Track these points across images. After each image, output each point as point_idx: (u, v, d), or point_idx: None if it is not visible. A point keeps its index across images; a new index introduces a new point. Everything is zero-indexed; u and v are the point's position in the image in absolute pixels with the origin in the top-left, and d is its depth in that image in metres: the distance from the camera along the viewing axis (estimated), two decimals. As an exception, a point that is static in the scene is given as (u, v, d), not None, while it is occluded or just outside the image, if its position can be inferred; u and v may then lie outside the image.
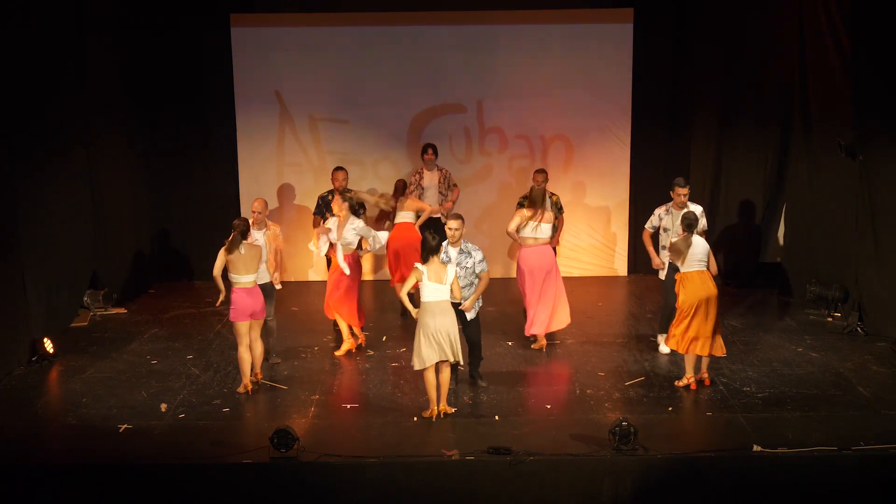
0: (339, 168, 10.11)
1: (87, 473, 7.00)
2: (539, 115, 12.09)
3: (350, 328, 9.39)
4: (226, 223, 12.09)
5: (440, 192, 10.94)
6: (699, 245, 8.21)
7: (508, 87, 12.01)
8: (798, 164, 11.29)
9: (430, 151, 10.92)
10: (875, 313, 9.79)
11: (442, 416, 7.78)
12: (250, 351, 8.31)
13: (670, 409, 8.03)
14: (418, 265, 7.72)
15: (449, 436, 7.47)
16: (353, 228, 9.09)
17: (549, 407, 8.08)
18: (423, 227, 10.08)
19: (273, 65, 11.93)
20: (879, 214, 9.63)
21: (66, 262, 10.13)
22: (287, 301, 9.84)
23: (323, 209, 9.80)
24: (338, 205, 9.19)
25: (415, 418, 7.84)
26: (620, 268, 12.51)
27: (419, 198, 10.77)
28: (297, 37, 11.91)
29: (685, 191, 8.87)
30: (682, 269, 8.24)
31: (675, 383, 8.41)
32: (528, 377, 8.75)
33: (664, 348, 9.10)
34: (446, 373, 7.81)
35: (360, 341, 9.51)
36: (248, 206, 11.92)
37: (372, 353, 9.49)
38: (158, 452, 7.21)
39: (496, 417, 7.86)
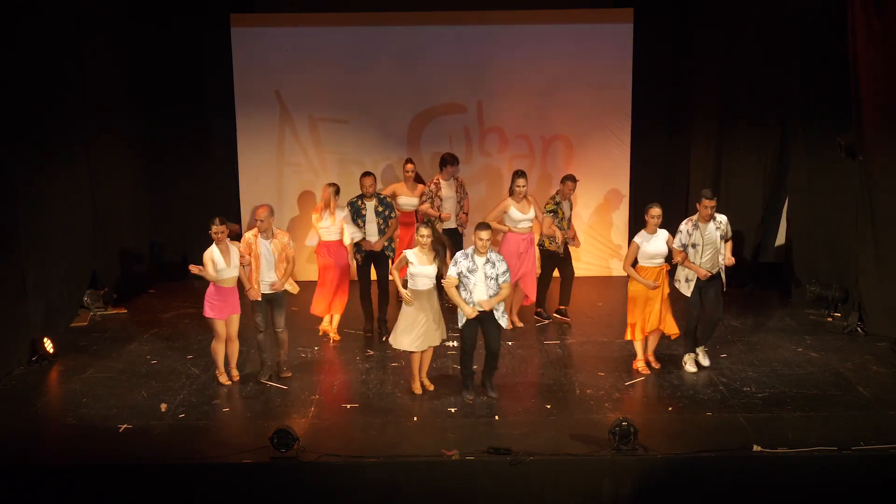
0: (366, 174, 9.79)
1: (87, 473, 7.01)
2: (539, 115, 12.08)
3: (330, 318, 9.89)
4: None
5: (457, 202, 10.78)
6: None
7: (508, 87, 11.99)
8: (798, 165, 11.29)
9: (451, 167, 10.68)
10: (875, 313, 9.78)
11: (425, 389, 8.28)
12: (227, 347, 8.59)
13: (670, 409, 8.03)
14: (406, 252, 8.10)
15: (449, 436, 7.47)
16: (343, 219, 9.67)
17: (549, 407, 8.08)
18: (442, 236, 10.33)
19: (273, 65, 11.92)
20: (879, 214, 9.63)
21: (66, 262, 10.13)
22: (287, 301, 9.82)
23: (354, 216, 9.72)
24: (326, 196, 9.59)
25: (415, 418, 7.86)
26: (620, 268, 12.48)
27: (437, 209, 10.61)
28: (297, 37, 11.90)
29: (712, 203, 8.44)
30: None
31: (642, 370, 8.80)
32: (528, 377, 8.74)
33: (691, 367, 8.81)
34: (430, 351, 8.33)
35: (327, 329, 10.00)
36: (249, 206, 11.99)
37: (372, 353, 9.50)
38: (158, 452, 7.22)
39: (496, 417, 7.87)
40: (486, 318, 8.03)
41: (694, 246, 8.53)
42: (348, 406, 8.19)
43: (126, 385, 8.63)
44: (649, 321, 8.61)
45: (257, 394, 8.40)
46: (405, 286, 8.20)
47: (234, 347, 8.66)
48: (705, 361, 8.90)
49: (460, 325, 8.10)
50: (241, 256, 8.42)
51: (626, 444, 7.04)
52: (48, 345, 9.26)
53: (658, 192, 12.07)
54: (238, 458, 7.07)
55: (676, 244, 8.60)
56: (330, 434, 7.56)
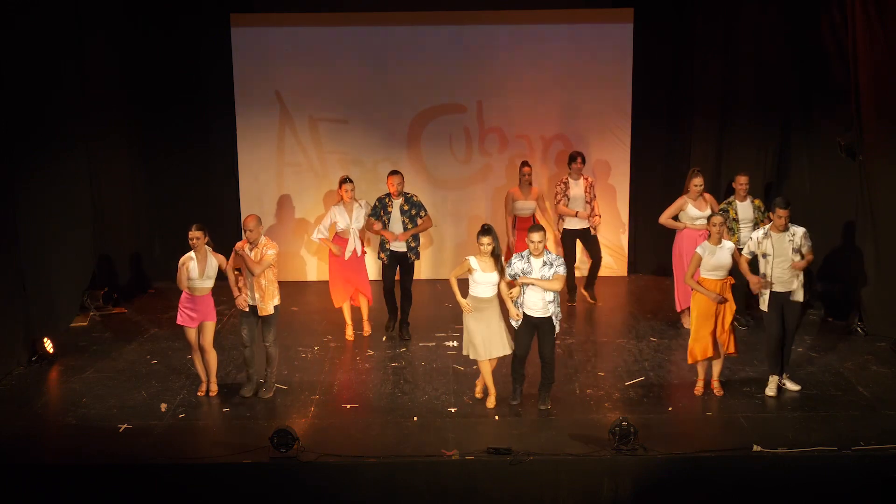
0: (394, 172, 9.71)
1: (87, 473, 7.00)
2: (539, 115, 12.08)
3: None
4: (226, 223, 12.16)
5: (586, 202, 10.75)
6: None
7: (508, 87, 11.99)
8: (798, 165, 11.30)
9: (578, 160, 10.66)
10: (875, 313, 9.78)
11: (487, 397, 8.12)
12: (203, 357, 8.43)
13: (670, 409, 8.03)
14: (469, 258, 7.96)
15: (449, 436, 7.47)
16: (363, 211, 9.69)
17: (549, 407, 8.08)
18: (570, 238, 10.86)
19: (273, 65, 11.91)
20: (879, 215, 9.63)
21: (66, 262, 10.13)
22: (287, 301, 9.84)
23: (379, 211, 9.65)
24: (345, 192, 9.58)
25: (415, 418, 7.85)
26: (620, 268, 12.50)
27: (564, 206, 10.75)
28: (297, 37, 11.90)
29: (786, 212, 8.00)
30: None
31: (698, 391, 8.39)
32: (528, 377, 8.72)
33: (771, 392, 8.21)
34: (495, 362, 8.11)
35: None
36: (249, 207, 12.00)
37: (372, 353, 9.50)
38: (158, 452, 7.22)
39: (496, 417, 7.86)
40: (542, 323, 7.91)
41: (765, 256, 8.12)
42: (348, 406, 8.19)
43: (126, 385, 8.62)
44: (718, 339, 8.13)
45: (257, 394, 8.38)
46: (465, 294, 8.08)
47: (211, 357, 8.37)
48: (794, 387, 8.31)
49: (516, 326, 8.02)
50: (229, 266, 8.27)
51: (626, 444, 7.04)
52: (48, 345, 9.25)
53: (658, 192, 12.09)
54: (238, 458, 7.07)
55: (745, 252, 8.24)
56: (330, 434, 7.55)
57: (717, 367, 8.32)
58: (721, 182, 11.84)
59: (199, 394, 8.37)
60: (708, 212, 9.84)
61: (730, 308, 8.16)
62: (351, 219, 9.64)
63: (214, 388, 8.43)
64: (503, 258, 8.03)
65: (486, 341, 7.95)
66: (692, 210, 9.86)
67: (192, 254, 8.18)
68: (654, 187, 12.20)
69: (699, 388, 8.32)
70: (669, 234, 10.40)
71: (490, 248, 7.88)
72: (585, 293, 11.16)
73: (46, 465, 7.12)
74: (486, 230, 7.92)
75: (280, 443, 7.01)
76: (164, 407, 8.09)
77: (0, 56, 8.82)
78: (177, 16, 11.66)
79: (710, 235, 8.21)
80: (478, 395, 8.22)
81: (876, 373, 8.76)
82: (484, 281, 7.90)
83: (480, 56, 11.93)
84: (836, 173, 10.39)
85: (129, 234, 11.73)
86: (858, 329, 9.81)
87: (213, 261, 8.22)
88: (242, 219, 8.29)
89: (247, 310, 8.23)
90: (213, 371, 8.42)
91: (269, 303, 8.20)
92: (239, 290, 8.21)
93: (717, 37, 11.56)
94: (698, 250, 8.19)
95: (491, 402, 8.05)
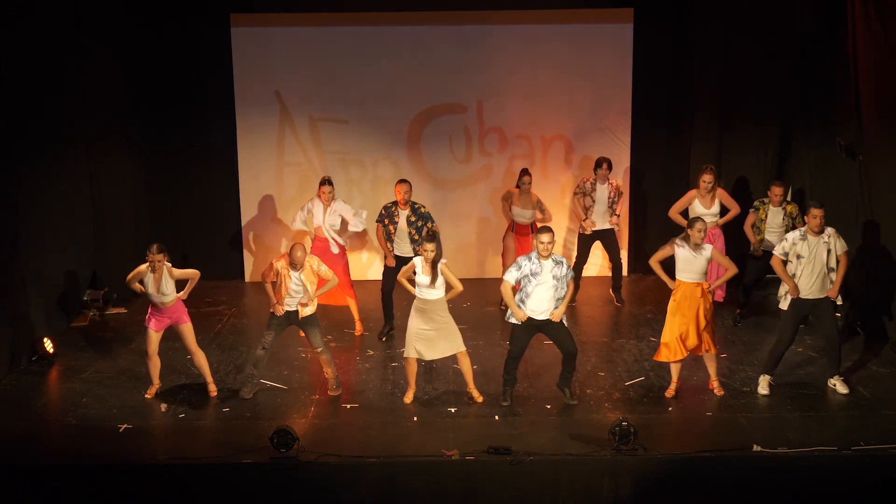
0: (402, 181, 9.67)
1: (87, 473, 7.01)
2: (539, 115, 12.07)
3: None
4: (226, 223, 12.16)
5: (609, 206, 10.67)
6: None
7: (508, 87, 11.98)
8: (798, 165, 11.30)
9: (604, 166, 10.52)
10: (875, 313, 9.78)
11: (474, 401, 8.15)
12: (194, 360, 8.46)
13: (670, 409, 8.04)
14: (416, 259, 8.02)
15: (449, 436, 7.48)
16: (336, 211, 9.86)
17: (548, 407, 8.08)
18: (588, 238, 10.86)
19: (273, 65, 11.90)
20: (879, 215, 9.63)
21: (66, 262, 10.13)
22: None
23: (385, 219, 9.60)
24: (322, 194, 9.78)
25: (415, 418, 7.86)
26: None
27: (586, 207, 10.65)
28: (297, 37, 11.90)
29: (821, 212, 7.97)
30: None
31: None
32: (527, 377, 8.73)
33: (763, 390, 8.25)
34: (466, 361, 8.13)
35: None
36: (249, 207, 12.04)
37: (372, 353, 9.51)
38: (158, 452, 7.23)
39: (496, 417, 7.87)
40: (547, 323, 7.89)
41: (799, 257, 8.04)
42: (348, 406, 8.19)
43: (126, 385, 8.63)
44: (687, 341, 8.04)
45: (257, 394, 8.39)
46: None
47: (199, 358, 8.39)
48: (843, 389, 8.20)
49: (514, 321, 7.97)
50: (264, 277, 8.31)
51: (626, 444, 7.05)
52: (48, 345, 9.25)
53: (658, 193, 12.09)
54: (238, 458, 7.07)
55: (778, 251, 8.15)
56: (330, 434, 7.56)
57: (712, 367, 8.30)
58: (722, 182, 11.83)
59: (146, 396, 8.32)
60: (714, 209, 9.85)
61: (704, 307, 8.05)
62: (325, 218, 9.78)
63: (213, 388, 8.44)
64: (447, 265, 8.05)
65: (425, 343, 8.04)
66: (698, 206, 9.88)
67: (148, 269, 8.08)
68: (654, 188, 12.19)
69: (670, 391, 8.26)
70: (669, 234, 10.38)
71: (433, 255, 7.92)
72: (613, 295, 11.18)
73: (46, 465, 7.12)
74: (430, 237, 7.99)
75: (280, 443, 7.01)
76: (164, 407, 8.10)
77: (0, 56, 8.82)
78: (176, 16, 11.64)
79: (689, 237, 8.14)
80: (477, 399, 8.21)
81: (876, 373, 8.76)
82: (423, 283, 8.00)
83: (480, 56, 11.92)
84: (836, 173, 10.39)
85: (129, 234, 11.71)
86: (858, 329, 9.81)
87: (170, 280, 8.10)
88: (287, 248, 8.20)
89: (281, 314, 8.22)
90: (206, 371, 8.44)
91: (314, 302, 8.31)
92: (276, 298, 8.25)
93: (717, 37, 11.56)
94: (677, 240, 8.13)
95: (408, 398, 8.19)
